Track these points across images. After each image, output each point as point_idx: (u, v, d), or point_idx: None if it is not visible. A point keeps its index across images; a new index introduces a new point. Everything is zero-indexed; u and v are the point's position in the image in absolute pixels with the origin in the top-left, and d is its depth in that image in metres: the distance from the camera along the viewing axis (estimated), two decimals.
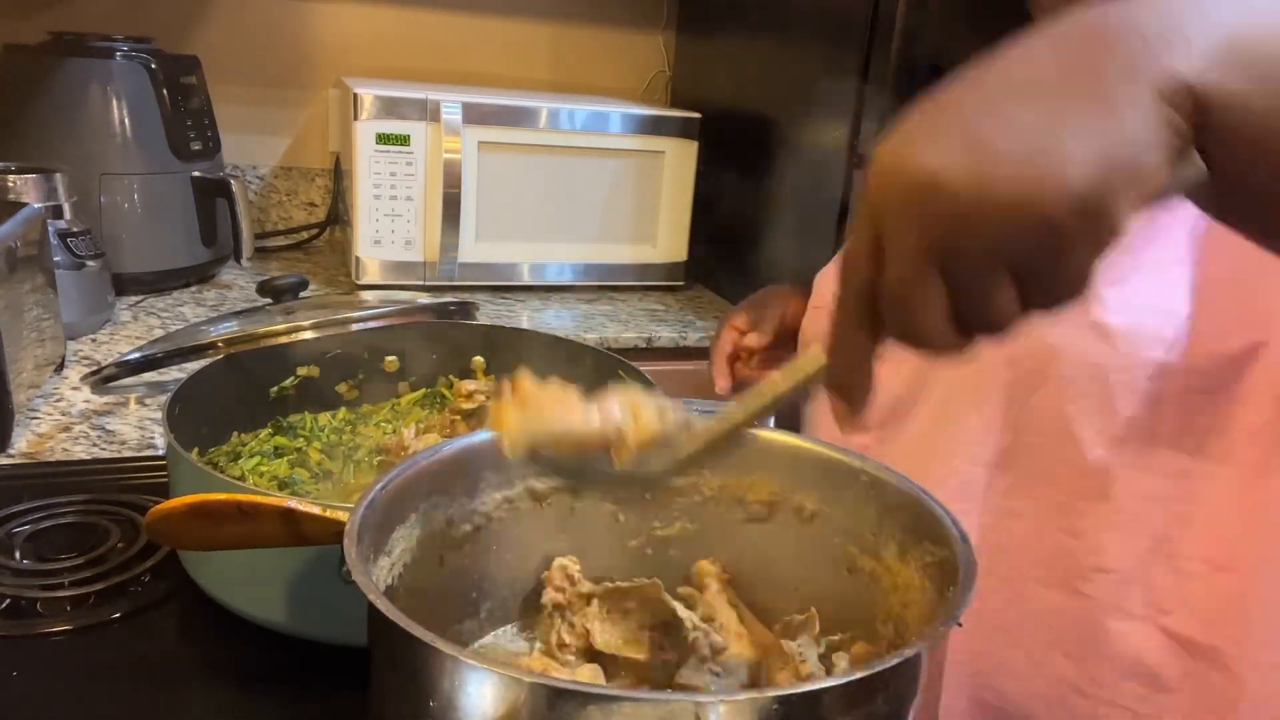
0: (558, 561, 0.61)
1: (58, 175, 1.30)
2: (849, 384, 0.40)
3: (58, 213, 1.29)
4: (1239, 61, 0.34)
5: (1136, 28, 0.34)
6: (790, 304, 0.99)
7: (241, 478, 0.81)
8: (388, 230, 1.55)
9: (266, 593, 0.67)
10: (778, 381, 0.45)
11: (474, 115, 1.54)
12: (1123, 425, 0.61)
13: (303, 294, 0.97)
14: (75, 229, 1.30)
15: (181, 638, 0.72)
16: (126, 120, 1.45)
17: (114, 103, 1.44)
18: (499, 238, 1.64)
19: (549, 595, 0.60)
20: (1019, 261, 0.34)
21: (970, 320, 0.35)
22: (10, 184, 1.25)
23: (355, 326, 0.87)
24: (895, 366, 0.70)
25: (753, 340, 0.98)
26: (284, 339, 0.84)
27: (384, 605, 0.39)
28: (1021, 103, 0.33)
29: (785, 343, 0.98)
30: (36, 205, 1.14)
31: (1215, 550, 0.60)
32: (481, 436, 0.58)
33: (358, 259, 1.56)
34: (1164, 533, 0.61)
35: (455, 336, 0.96)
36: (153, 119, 1.46)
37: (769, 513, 0.62)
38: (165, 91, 1.47)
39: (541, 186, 1.64)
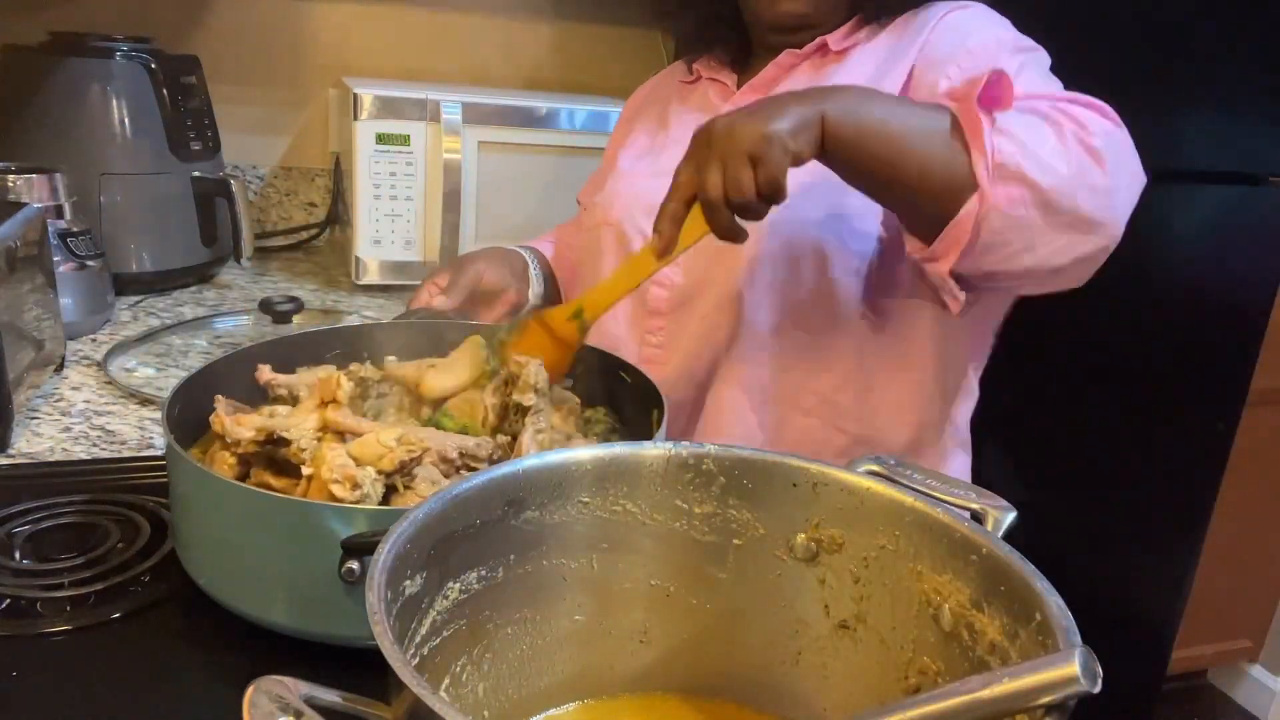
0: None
1: (58, 175, 1.30)
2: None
3: (58, 213, 1.29)
4: (848, 115, 0.77)
5: (817, 92, 0.79)
6: (485, 272, 1.13)
7: None
8: (388, 230, 1.55)
9: (266, 593, 0.67)
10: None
11: (474, 115, 1.54)
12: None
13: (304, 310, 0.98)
14: (75, 229, 1.30)
15: (181, 638, 0.72)
16: (126, 120, 1.45)
17: (114, 103, 1.44)
18: (499, 238, 1.63)
19: None
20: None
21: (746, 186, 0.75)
22: (10, 184, 1.25)
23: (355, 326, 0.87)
24: (688, 265, 1.00)
25: (440, 303, 1.07)
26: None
27: (413, 676, 0.36)
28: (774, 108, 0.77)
29: (474, 304, 1.11)
30: (36, 205, 1.14)
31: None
32: (483, 478, 0.53)
33: (358, 259, 1.56)
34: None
35: (455, 336, 0.96)
36: (153, 119, 1.47)
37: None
38: (165, 91, 1.47)
39: (541, 186, 1.64)
